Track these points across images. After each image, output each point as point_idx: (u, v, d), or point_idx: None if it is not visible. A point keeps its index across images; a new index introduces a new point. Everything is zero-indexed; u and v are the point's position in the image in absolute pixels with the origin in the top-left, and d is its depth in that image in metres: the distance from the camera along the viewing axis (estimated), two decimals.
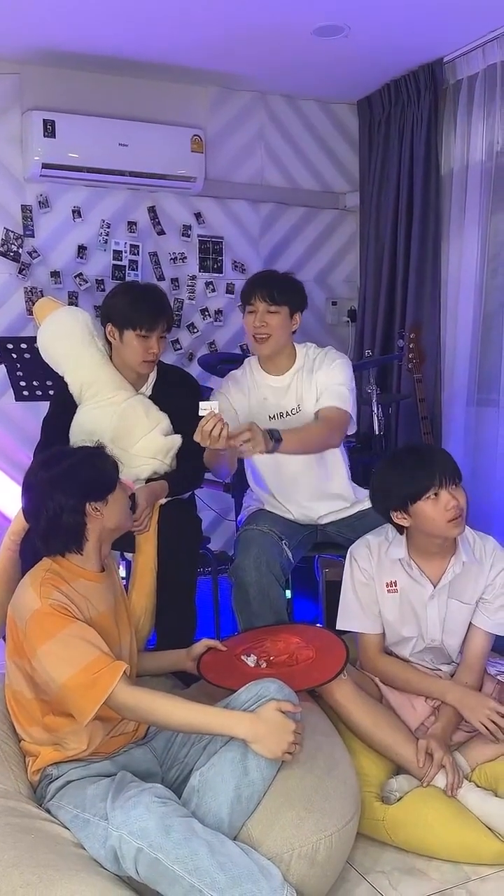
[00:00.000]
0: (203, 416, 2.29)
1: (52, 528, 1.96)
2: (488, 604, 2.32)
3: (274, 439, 2.34)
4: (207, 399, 2.79)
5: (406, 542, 2.32)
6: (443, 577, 2.30)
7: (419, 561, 2.32)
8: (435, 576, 2.31)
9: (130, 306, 2.56)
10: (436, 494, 2.19)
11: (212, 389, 3.38)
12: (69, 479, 1.96)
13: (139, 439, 2.60)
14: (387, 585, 2.34)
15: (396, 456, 2.35)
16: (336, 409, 2.60)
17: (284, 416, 2.68)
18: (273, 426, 2.59)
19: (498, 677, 2.44)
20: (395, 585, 2.33)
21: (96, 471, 2.01)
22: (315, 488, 2.74)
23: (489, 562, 2.32)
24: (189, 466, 2.67)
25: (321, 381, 2.66)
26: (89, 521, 1.99)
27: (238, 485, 3.17)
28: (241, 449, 2.30)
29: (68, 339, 2.66)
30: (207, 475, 2.87)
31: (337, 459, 2.76)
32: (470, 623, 2.35)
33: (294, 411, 2.69)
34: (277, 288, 2.63)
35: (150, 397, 2.69)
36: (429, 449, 2.40)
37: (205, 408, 2.30)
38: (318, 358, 2.72)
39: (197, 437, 2.28)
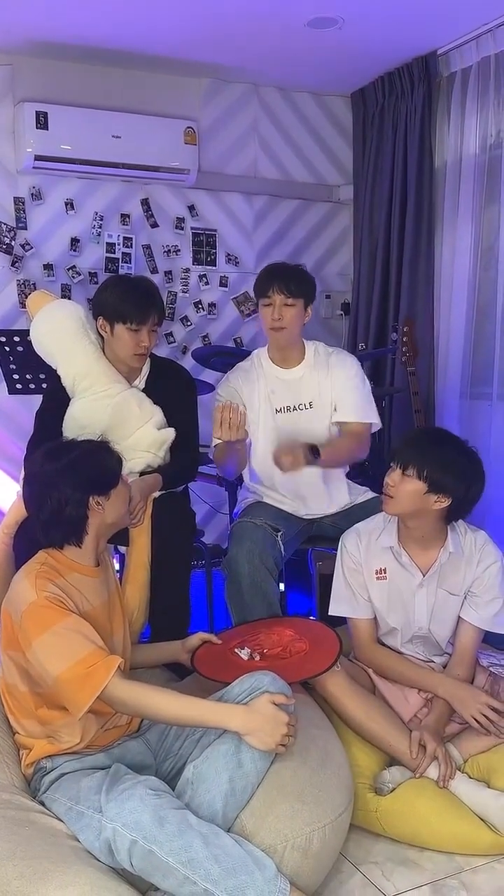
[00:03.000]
0: (218, 405, 2.29)
1: (53, 519, 1.97)
2: (477, 598, 2.33)
3: (314, 454, 2.52)
4: (199, 394, 2.80)
5: (397, 530, 2.33)
6: (432, 567, 2.31)
7: (409, 549, 2.33)
8: (424, 565, 2.32)
9: (120, 300, 2.56)
10: (391, 467, 2.26)
11: (206, 383, 3.39)
12: (75, 471, 1.96)
13: (133, 432, 2.60)
14: (376, 572, 2.36)
15: None
16: (359, 425, 2.73)
17: (292, 409, 2.72)
18: (279, 420, 2.68)
19: (490, 669, 2.45)
20: (384, 573, 2.35)
21: (101, 465, 2.02)
22: (315, 486, 2.76)
23: (477, 556, 2.33)
24: (183, 460, 2.67)
25: (339, 391, 2.71)
26: (91, 515, 1.99)
27: (233, 477, 3.16)
28: (281, 464, 2.51)
29: (61, 333, 2.66)
30: (201, 468, 2.87)
31: None
32: (459, 617, 2.36)
33: (303, 407, 2.72)
34: (294, 281, 2.66)
35: (143, 390, 2.69)
36: (410, 432, 2.42)
37: (219, 401, 2.33)
38: (331, 360, 2.75)
39: (216, 433, 2.28)
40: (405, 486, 2.21)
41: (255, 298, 2.75)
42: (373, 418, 2.76)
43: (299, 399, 2.72)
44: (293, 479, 2.73)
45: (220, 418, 2.36)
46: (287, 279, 2.65)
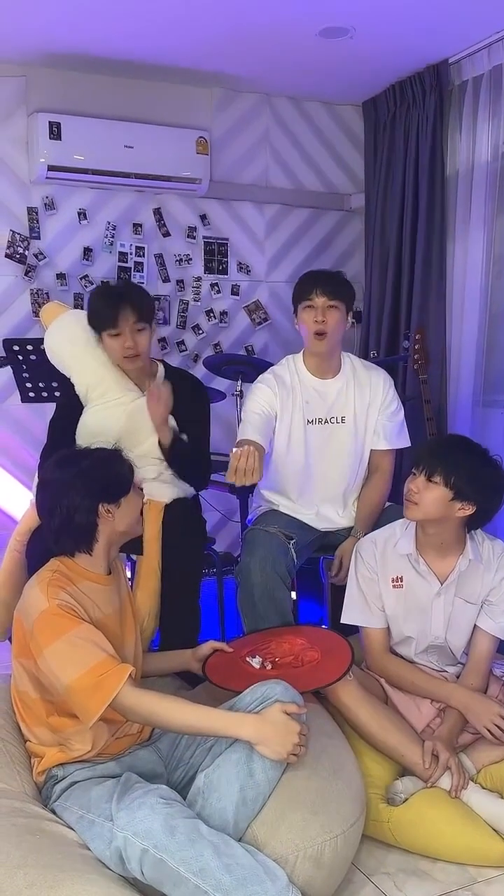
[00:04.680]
0: (235, 451, 2.27)
1: (64, 526, 1.98)
2: (493, 607, 2.32)
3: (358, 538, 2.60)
4: (212, 402, 2.80)
5: (415, 538, 2.33)
6: (450, 575, 2.30)
7: (427, 557, 2.32)
8: (442, 573, 2.31)
9: (94, 309, 2.58)
10: (413, 474, 2.26)
11: (217, 391, 3.39)
12: (84, 479, 1.97)
13: (145, 440, 2.60)
14: (392, 581, 2.35)
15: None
16: (389, 454, 2.77)
17: (324, 422, 2.68)
18: (310, 431, 2.66)
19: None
20: (401, 581, 2.34)
21: (111, 473, 2.02)
22: (335, 502, 2.76)
23: (495, 565, 2.32)
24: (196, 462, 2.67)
25: (376, 417, 2.72)
26: (101, 523, 1.99)
27: (243, 487, 3.16)
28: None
29: (74, 342, 2.67)
30: (212, 476, 2.87)
31: (362, 476, 2.79)
32: (475, 626, 2.34)
33: (335, 420, 2.69)
34: (337, 283, 2.65)
35: None
36: (435, 439, 2.41)
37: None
38: (369, 378, 2.74)
39: (230, 477, 2.28)
40: (430, 493, 2.20)
41: (294, 305, 2.69)
42: (405, 443, 2.82)
43: (332, 412, 2.69)
44: (316, 495, 2.74)
45: (236, 466, 2.29)
46: (329, 281, 2.64)
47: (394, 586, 2.35)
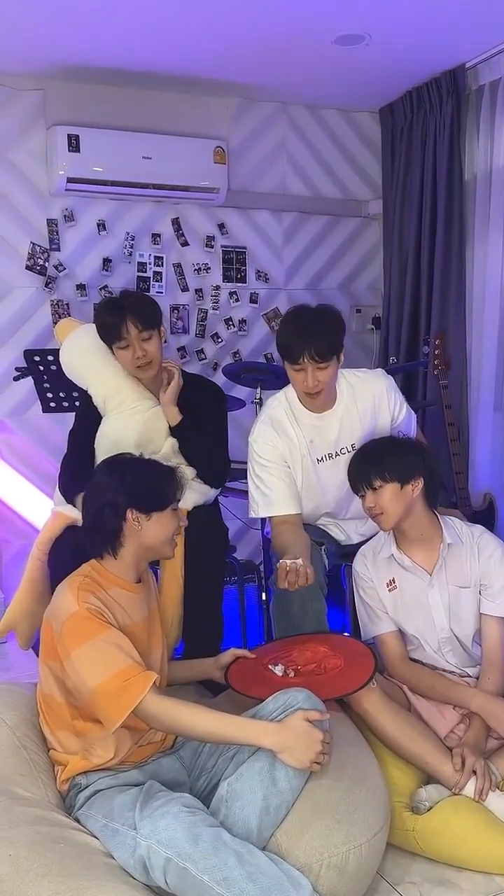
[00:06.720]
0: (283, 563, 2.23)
1: (94, 524, 2.02)
2: (489, 589, 2.36)
3: None
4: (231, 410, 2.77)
5: (394, 539, 2.38)
6: (437, 563, 2.34)
7: (411, 553, 2.37)
8: (429, 565, 2.36)
9: (100, 324, 2.61)
10: (361, 496, 2.37)
11: (237, 399, 3.39)
12: (122, 480, 2.01)
13: (162, 445, 2.62)
14: (387, 585, 2.40)
15: None
16: None
17: (334, 456, 2.59)
18: (321, 468, 2.59)
19: None
20: (394, 582, 2.39)
21: (148, 482, 2.04)
22: (358, 518, 2.73)
23: (476, 546, 2.37)
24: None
25: (387, 424, 2.58)
26: (126, 528, 2.01)
27: None
28: None
29: (89, 355, 2.70)
30: (232, 483, 2.87)
31: None
32: (481, 615, 2.36)
33: (345, 451, 2.57)
34: (326, 341, 2.38)
35: None
36: (350, 463, 2.43)
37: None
38: (367, 391, 2.58)
39: (281, 585, 2.22)
40: (383, 497, 2.29)
41: (281, 358, 2.47)
42: (416, 431, 2.77)
43: (339, 444, 2.57)
44: (335, 519, 2.74)
45: (286, 578, 2.21)
46: (318, 342, 2.36)
47: (389, 590, 2.40)
